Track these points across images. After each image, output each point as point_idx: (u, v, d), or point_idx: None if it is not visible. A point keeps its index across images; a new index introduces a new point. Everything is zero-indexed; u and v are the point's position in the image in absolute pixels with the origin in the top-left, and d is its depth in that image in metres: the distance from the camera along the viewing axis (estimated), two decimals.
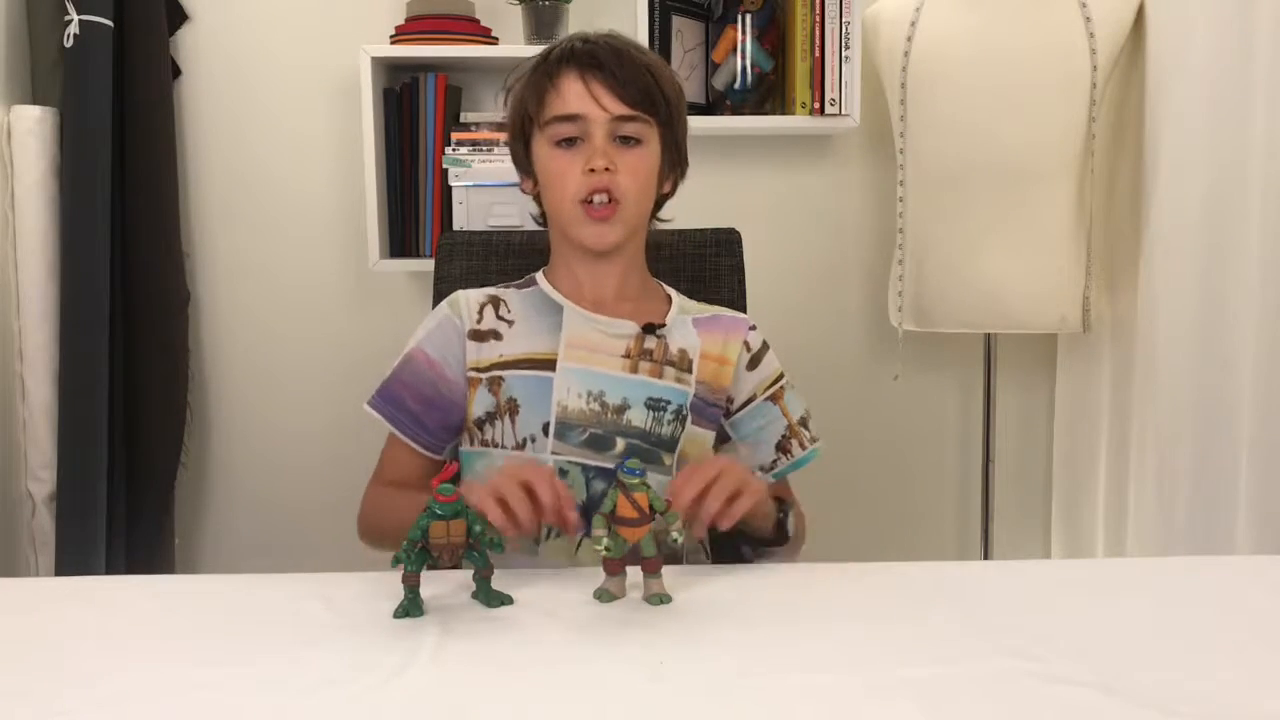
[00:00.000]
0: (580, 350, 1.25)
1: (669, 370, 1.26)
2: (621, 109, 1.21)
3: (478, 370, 1.26)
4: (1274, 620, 0.93)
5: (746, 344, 1.31)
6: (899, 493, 2.28)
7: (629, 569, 0.98)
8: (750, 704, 0.76)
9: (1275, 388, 1.57)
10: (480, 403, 1.25)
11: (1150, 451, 1.84)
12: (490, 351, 1.26)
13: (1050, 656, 0.83)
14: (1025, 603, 0.96)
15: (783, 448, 1.31)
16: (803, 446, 1.31)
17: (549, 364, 1.24)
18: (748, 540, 1.22)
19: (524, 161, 1.29)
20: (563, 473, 1.21)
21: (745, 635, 0.89)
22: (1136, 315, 1.89)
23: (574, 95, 1.21)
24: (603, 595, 0.97)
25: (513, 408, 1.24)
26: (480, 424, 1.26)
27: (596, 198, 1.21)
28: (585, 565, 1.10)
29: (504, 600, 0.96)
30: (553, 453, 1.22)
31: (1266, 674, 0.82)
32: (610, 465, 1.20)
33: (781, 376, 1.33)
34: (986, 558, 2.14)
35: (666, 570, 0.98)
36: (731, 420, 1.31)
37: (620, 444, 1.22)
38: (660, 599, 0.96)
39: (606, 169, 1.20)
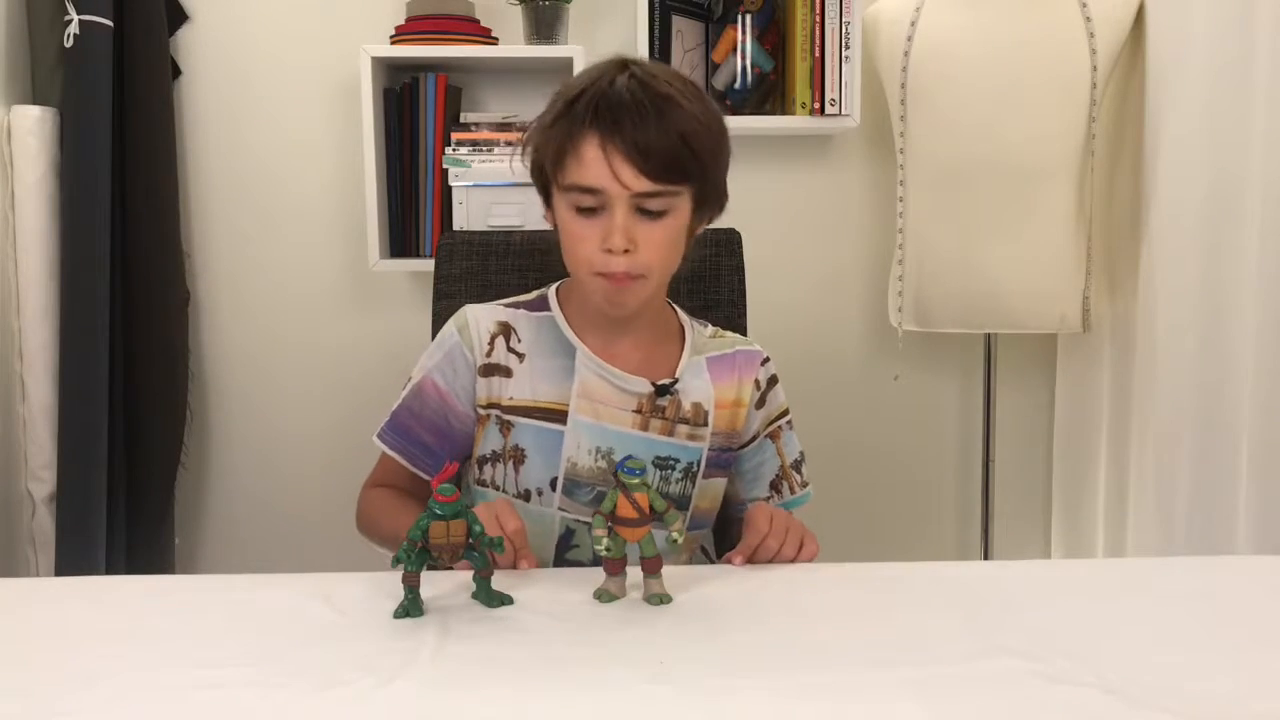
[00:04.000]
0: (591, 402, 1.20)
1: (681, 428, 1.22)
2: (644, 185, 1.10)
3: (487, 407, 1.22)
4: (1274, 620, 0.93)
5: (757, 382, 1.28)
6: (899, 493, 2.28)
7: (629, 569, 0.98)
8: (750, 704, 0.76)
9: (1275, 388, 1.57)
10: (488, 441, 1.22)
11: (1150, 451, 1.84)
12: (500, 389, 1.21)
13: (1050, 656, 0.83)
14: (1025, 603, 0.96)
15: (775, 487, 1.29)
16: (792, 490, 1.29)
17: (559, 414, 1.20)
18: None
19: (546, 198, 1.21)
20: (570, 531, 1.21)
21: (745, 635, 0.89)
22: (1136, 315, 1.89)
23: (594, 167, 1.09)
24: (603, 595, 0.97)
25: (518, 455, 1.20)
26: (482, 462, 1.23)
27: (615, 268, 1.12)
28: (585, 566, 1.10)
29: (504, 600, 0.96)
30: (560, 509, 1.20)
31: (1266, 674, 0.82)
32: None
33: (783, 415, 1.30)
34: (986, 558, 2.14)
35: (666, 570, 0.98)
36: (736, 455, 1.29)
37: None
38: (660, 599, 0.96)
39: (626, 250, 1.11)
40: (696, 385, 1.24)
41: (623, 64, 1.14)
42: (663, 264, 1.16)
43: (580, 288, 1.20)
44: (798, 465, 1.30)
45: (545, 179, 1.18)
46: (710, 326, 1.32)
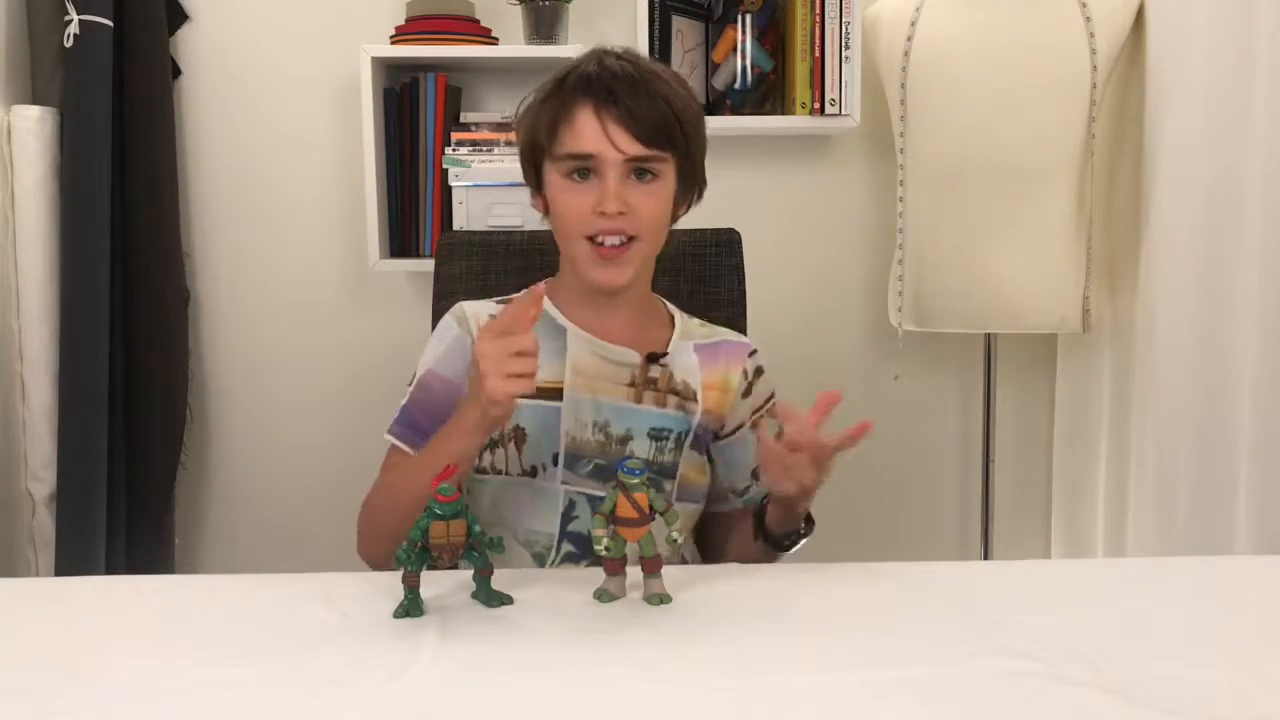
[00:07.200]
0: (585, 378, 1.23)
1: (672, 399, 1.25)
2: (637, 149, 1.16)
3: None
4: (1274, 620, 0.93)
5: (745, 371, 1.30)
6: (899, 493, 2.27)
7: (629, 569, 0.98)
8: (750, 704, 0.76)
9: (1275, 388, 1.57)
10: None
11: (1150, 451, 1.84)
12: None
13: (1050, 656, 0.83)
14: (1025, 603, 0.96)
15: (757, 475, 1.29)
16: None
17: (555, 392, 1.22)
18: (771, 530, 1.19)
19: (535, 181, 1.25)
20: (571, 503, 1.22)
21: (745, 635, 0.89)
22: (1136, 315, 1.89)
23: (588, 133, 1.16)
24: (603, 595, 0.97)
25: (519, 436, 1.22)
26: (482, 449, 1.23)
27: (609, 239, 1.17)
28: (587, 566, 1.10)
29: (504, 600, 0.96)
30: (562, 482, 1.22)
31: (1266, 674, 0.81)
32: None
33: (767, 403, 1.32)
34: (986, 558, 2.14)
35: (666, 570, 0.98)
36: (717, 444, 1.30)
37: None
38: (660, 599, 0.96)
39: (620, 213, 1.15)
40: (685, 364, 1.27)
41: (605, 51, 1.21)
42: (652, 230, 1.20)
43: (573, 265, 1.23)
44: None
45: (537, 156, 1.22)
46: (698, 319, 1.35)
